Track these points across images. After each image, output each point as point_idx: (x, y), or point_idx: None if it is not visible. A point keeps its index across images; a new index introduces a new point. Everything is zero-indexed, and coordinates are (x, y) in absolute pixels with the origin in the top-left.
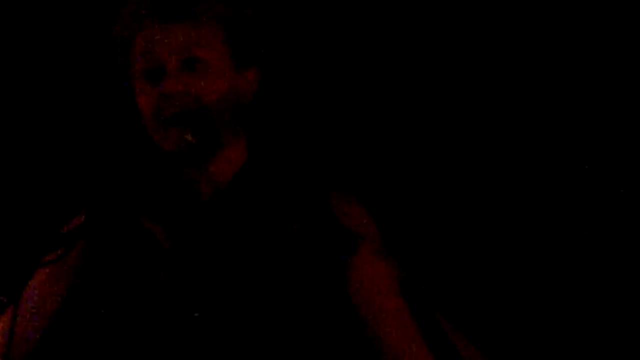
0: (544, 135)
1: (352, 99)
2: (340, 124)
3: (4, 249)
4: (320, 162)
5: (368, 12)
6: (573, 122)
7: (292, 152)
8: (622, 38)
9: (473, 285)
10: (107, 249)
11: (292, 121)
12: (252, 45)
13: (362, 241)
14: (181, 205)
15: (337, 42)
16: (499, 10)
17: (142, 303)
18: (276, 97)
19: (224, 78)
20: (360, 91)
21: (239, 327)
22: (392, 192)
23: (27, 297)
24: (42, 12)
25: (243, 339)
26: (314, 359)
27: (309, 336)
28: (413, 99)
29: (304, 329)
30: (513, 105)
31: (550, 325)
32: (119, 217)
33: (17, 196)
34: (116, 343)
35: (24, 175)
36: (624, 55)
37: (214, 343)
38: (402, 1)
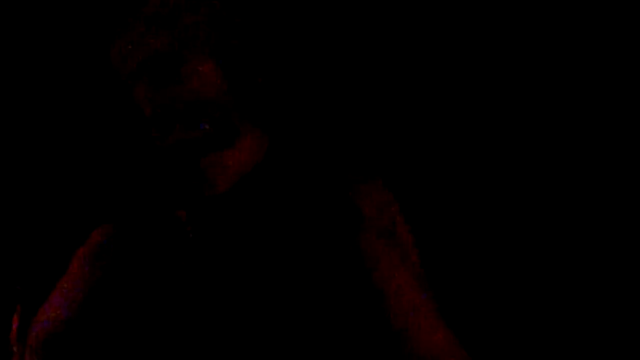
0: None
1: (373, 84)
2: (362, 108)
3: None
4: (340, 142)
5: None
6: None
7: (308, 134)
8: (622, 38)
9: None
10: (135, 241)
11: (311, 107)
12: (249, 70)
13: (368, 222)
14: (200, 196)
15: (347, 28)
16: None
17: (162, 294)
18: (291, 91)
19: (225, 107)
20: (382, 76)
21: (255, 318)
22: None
23: (62, 285)
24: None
25: (258, 330)
26: (331, 348)
27: (327, 330)
28: (435, 85)
29: (322, 324)
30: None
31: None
32: (147, 209)
33: (46, 194)
34: (133, 335)
35: (55, 173)
36: (624, 56)
37: (231, 334)
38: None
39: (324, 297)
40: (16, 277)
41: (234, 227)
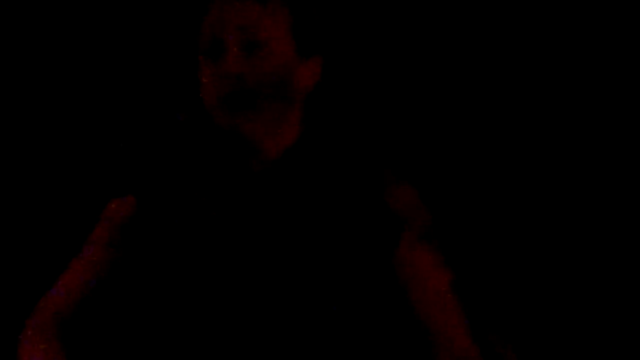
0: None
1: (410, 83)
2: (398, 106)
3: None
4: (375, 143)
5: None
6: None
7: (346, 131)
8: (622, 38)
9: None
10: (157, 223)
11: (349, 102)
12: (318, 33)
13: (407, 226)
14: (230, 179)
15: (395, 27)
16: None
17: (188, 275)
18: (337, 83)
19: (283, 63)
20: (417, 76)
21: (283, 306)
22: (448, 177)
23: (78, 262)
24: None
25: (286, 317)
26: (356, 342)
27: (351, 319)
28: (472, 83)
29: (346, 312)
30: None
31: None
32: (169, 191)
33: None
34: (156, 315)
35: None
36: (624, 56)
37: (257, 318)
38: None
39: (361, 295)
40: None
41: (267, 207)
